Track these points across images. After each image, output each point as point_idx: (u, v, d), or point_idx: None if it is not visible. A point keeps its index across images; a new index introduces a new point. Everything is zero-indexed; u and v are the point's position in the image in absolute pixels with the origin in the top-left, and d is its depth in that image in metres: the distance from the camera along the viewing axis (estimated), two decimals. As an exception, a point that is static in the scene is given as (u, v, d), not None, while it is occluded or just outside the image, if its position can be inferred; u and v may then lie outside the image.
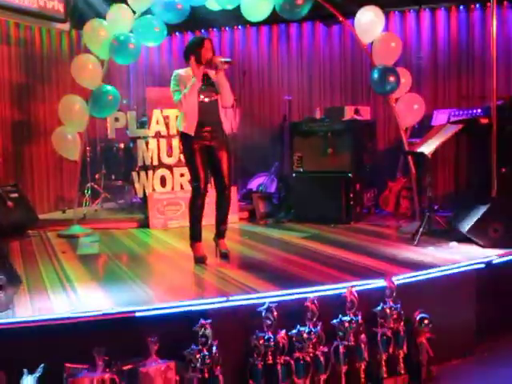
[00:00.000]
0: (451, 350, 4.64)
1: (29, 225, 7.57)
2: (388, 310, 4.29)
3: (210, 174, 5.56)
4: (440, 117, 8.07)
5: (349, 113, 8.05)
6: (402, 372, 4.31)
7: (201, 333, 3.79)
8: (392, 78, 7.04)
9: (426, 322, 4.36)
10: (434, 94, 8.66)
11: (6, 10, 7.60)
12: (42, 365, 3.50)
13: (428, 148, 6.33)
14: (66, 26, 8.75)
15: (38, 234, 7.45)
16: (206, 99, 5.42)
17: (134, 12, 7.38)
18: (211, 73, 5.49)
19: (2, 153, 7.92)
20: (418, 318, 4.38)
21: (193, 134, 5.35)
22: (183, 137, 5.48)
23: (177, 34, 10.22)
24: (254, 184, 9.28)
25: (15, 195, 7.53)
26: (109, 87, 7.50)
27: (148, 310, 3.91)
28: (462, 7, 8.56)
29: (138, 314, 3.86)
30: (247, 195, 8.76)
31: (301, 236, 6.79)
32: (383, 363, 4.27)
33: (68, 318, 3.80)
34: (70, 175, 8.77)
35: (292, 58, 9.81)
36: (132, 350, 3.73)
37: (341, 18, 7.45)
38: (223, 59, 5.39)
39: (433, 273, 4.75)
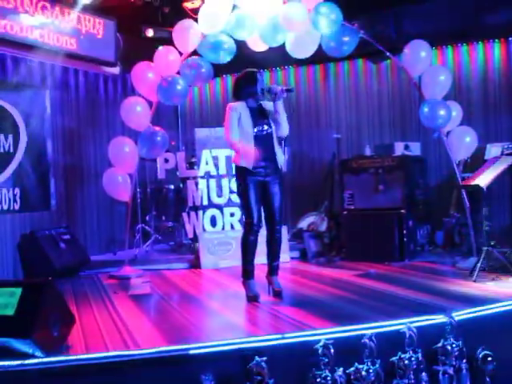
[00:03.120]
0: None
1: (80, 266, 7.63)
2: (449, 347, 4.12)
3: (262, 210, 5.49)
4: (493, 150, 7.90)
5: (399, 149, 7.96)
6: (467, 412, 4.14)
7: (256, 371, 3.69)
8: (442, 112, 6.95)
9: (489, 359, 4.18)
10: (485, 127, 8.50)
11: (58, 55, 7.75)
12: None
13: (483, 180, 6.18)
14: (116, 70, 8.91)
15: (90, 275, 7.48)
16: (260, 132, 5.38)
17: (180, 53, 7.47)
18: (267, 104, 5.51)
19: (55, 195, 8.01)
20: (480, 355, 4.21)
21: (251, 168, 5.32)
22: (239, 171, 5.45)
23: (223, 75, 10.33)
24: (304, 223, 9.19)
25: (67, 237, 7.63)
26: (157, 128, 7.57)
27: (202, 347, 3.83)
28: (511, 39, 8.43)
29: (191, 352, 3.78)
30: (298, 234, 8.68)
31: (354, 274, 6.66)
32: (446, 402, 4.10)
33: (121, 356, 3.75)
34: (121, 217, 8.84)
35: (339, 96, 9.79)
36: (186, 388, 3.66)
37: (388, 54, 7.41)
38: (284, 87, 5.39)
39: (495, 308, 4.57)
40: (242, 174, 5.41)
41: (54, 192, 8.04)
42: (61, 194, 8.24)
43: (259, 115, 5.45)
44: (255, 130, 5.37)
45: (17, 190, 7.40)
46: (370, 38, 7.35)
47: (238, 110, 5.40)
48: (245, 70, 5.63)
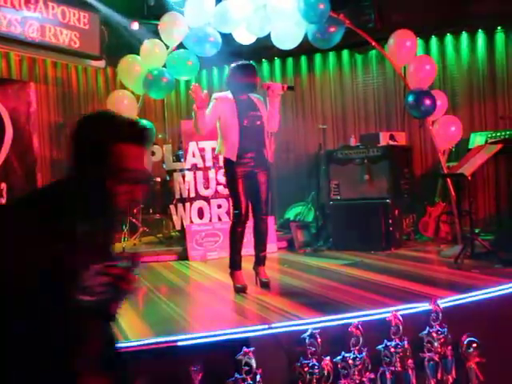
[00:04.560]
0: (502, 374, 4.49)
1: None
2: (435, 334, 4.17)
3: (250, 200, 5.51)
4: (477, 139, 7.97)
5: (384, 139, 8.00)
6: (452, 398, 4.19)
7: (244, 361, 3.72)
8: (428, 101, 6.99)
9: (474, 345, 4.23)
10: (470, 116, 8.57)
11: (43, 50, 7.74)
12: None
13: (467, 169, 6.23)
14: (101, 64, 8.89)
15: (78, 269, 7.48)
16: (250, 124, 5.38)
17: (167, 46, 7.47)
18: (256, 96, 5.55)
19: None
20: (465, 341, 4.26)
21: (235, 160, 5.33)
22: (227, 163, 5.46)
23: (210, 67, 10.32)
24: (291, 213, 9.25)
25: (55, 231, 7.59)
26: (144, 121, 7.56)
27: (190, 338, 3.86)
28: (496, 29, 8.48)
29: (180, 344, 3.81)
30: (285, 225, 8.73)
31: (341, 263, 6.71)
32: (432, 389, 4.16)
33: (110, 349, 3.77)
34: (108, 210, 8.83)
35: (325, 87, 9.82)
36: (175, 379, 3.69)
37: (374, 44, 7.44)
38: (285, 84, 5.49)
39: (479, 295, 4.62)
40: (230, 165, 5.42)
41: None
42: (48, 189, 8.22)
43: (248, 107, 5.45)
44: (245, 121, 5.37)
45: (3, 185, 7.37)
46: (356, 28, 7.39)
47: (223, 102, 5.41)
48: (241, 61, 5.61)
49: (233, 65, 5.57)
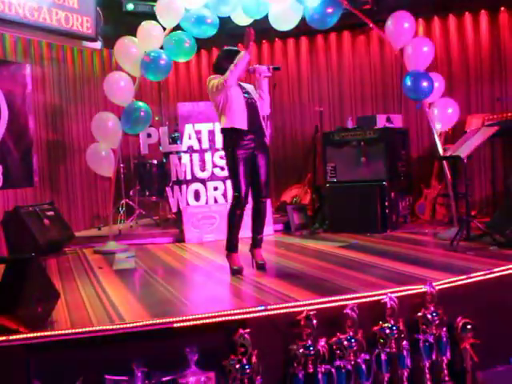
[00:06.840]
0: (496, 355, 4.52)
1: (65, 242, 7.64)
2: (430, 316, 4.18)
3: (250, 183, 5.49)
4: (474, 122, 7.96)
5: (381, 121, 7.98)
6: (447, 379, 4.20)
7: (240, 343, 3.74)
8: (425, 83, 6.97)
9: (468, 327, 4.25)
10: (467, 99, 8.55)
11: (38, 31, 7.70)
12: (81, 378, 3.48)
13: (463, 151, 6.23)
14: (97, 45, 8.85)
15: (75, 251, 7.50)
16: (249, 100, 5.41)
17: (164, 28, 7.42)
18: (246, 84, 5.54)
19: (38, 172, 7.99)
20: (460, 323, 4.28)
21: (246, 128, 5.31)
22: (227, 144, 5.43)
23: (207, 49, 10.27)
24: (287, 196, 9.25)
25: (51, 213, 7.61)
26: (141, 103, 7.53)
27: (186, 320, 3.87)
28: (489, 11, 8.43)
29: (176, 325, 3.82)
30: (281, 207, 8.74)
31: (337, 245, 6.72)
32: (426, 370, 4.17)
33: (106, 330, 3.78)
34: (105, 192, 8.86)
35: (322, 69, 9.78)
36: (171, 361, 3.70)
37: (371, 25, 7.39)
38: (271, 66, 5.47)
39: (474, 277, 4.63)
40: (230, 147, 5.39)
41: (37, 168, 8.01)
42: (44, 171, 8.22)
43: (245, 90, 5.50)
44: (246, 95, 5.40)
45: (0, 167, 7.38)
46: (353, 9, 7.34)
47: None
48: (225, 47, 5.65)
49: (221, 50, 5.66)
